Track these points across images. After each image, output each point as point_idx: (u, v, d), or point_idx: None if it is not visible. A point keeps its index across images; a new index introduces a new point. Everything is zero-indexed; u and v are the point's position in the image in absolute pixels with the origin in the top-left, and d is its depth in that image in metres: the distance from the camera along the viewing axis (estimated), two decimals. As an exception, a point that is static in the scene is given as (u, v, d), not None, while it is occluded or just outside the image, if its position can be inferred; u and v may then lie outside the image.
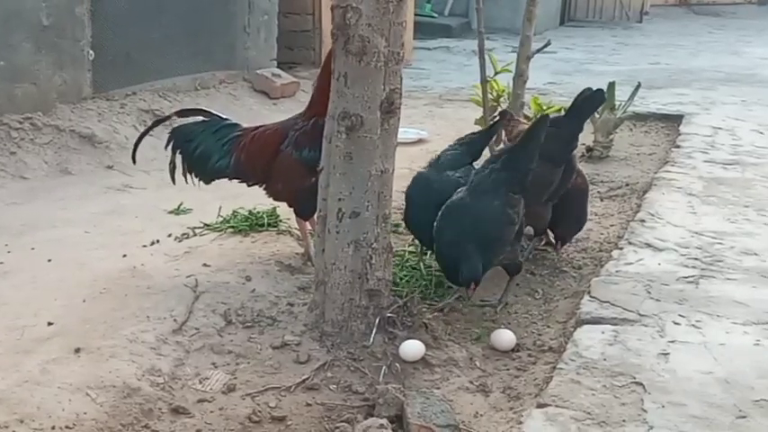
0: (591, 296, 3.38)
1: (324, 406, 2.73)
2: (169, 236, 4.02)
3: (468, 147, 3.91)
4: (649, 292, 3.42)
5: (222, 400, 2.71)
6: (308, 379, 2.85)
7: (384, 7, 2.85)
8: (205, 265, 3.60)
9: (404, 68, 9.48)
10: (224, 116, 3.76)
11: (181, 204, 4.42)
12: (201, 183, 3.71)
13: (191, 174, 3.67)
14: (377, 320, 3.07)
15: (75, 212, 4.47)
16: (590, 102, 3.89)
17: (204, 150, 3.62)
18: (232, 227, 4.06)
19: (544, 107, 5.14)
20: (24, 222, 4.26)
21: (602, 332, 3.08)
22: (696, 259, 3.80)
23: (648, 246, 3.98)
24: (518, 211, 3.45)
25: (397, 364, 2.95)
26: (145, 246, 3.89)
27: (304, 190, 3.48)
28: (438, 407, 2.63)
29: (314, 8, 9.13)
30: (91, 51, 5.95)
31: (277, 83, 7.92)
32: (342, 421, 2.64)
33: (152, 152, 4.37)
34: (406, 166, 5.59)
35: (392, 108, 2.99)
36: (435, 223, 3.44)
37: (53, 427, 2.35)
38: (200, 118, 3.72)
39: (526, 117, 5.11)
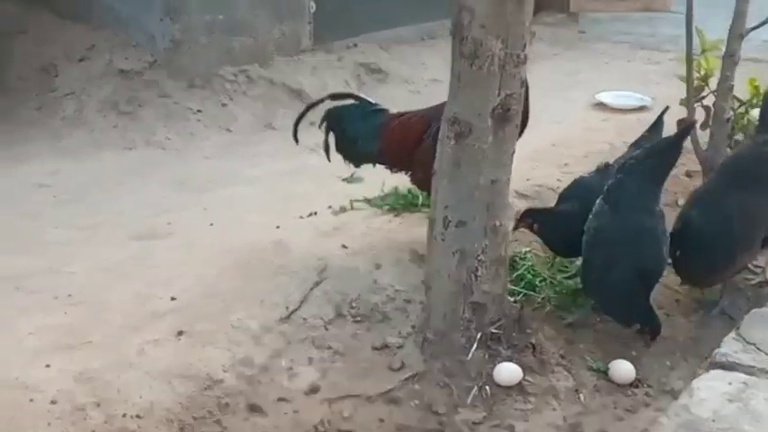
0: (737, 334, 2.98)
1: (395, 425, 2.68)
2: (329, 207, 4.08)
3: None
4: (815, 339, 2.95)
5: (300, 402, 2.75)
6: (392, 390, 2.82)
7: (500, 8, 2.63)
8: (343, 246, 3.62)
9: (662, 15, 8.60)
10: (374, 101, 3.72)
11: (354, 173, 4.46)
12: (352, 165, 3.72)
13: (341, 155, 3.69)
14: (478, 336, 2.94)
15: (261, 170, 4.68)
16: None
17: (352, 134, 3.62)
18: (388, 204, 4.04)
19: (762, 90, 4.51)
20: (210, 178, 4.55)
21: (730, 383, 2.70)
22: None
23: None
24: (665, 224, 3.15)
25: (488, 388, 2.82)
26: (302, 217, 3.99)
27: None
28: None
29: (566, -50, 8.68)
30: (312, 3, 6.10)
31: (510, 32, 7.66)
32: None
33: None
34: (608, 140, 5.23)
35: (507, 115, 2.78)
36: (583, 251, 3.17)
37: (124, 415, 2.52)
38: (352, 101, 3.70)
39: (738, 100, 4.55)
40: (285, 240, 3.68)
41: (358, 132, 3.61)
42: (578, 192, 3.52)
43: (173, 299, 3.18)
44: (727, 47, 4.18)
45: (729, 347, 2.91)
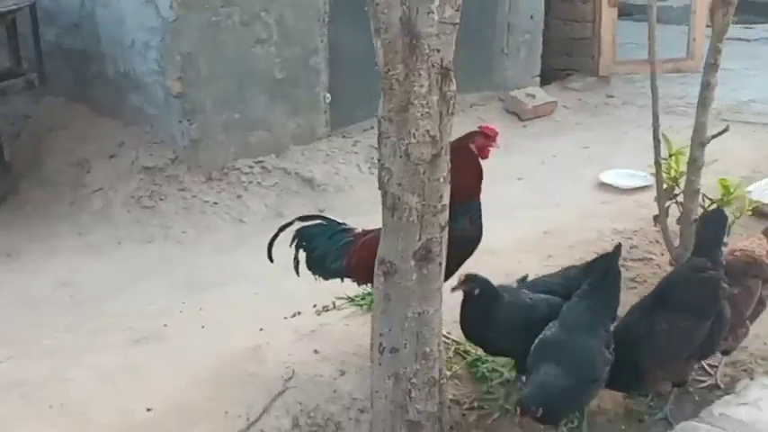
0: (659, 451, 3.20)
1: None
2: (314, 306, 4.41)
3: (567, 282, 3.71)
4: (726, 455, 3.14)
5: None
6: (332, 502, 3.12)
7: (414, 168, 2.94)
8: (315, 351, 3.95)
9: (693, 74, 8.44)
10: (340, 221, 4.03)
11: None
12: (321, 279, 4.03)
13: (310, 271, 4.01)
14: (414, 452, 3.22)
15: (262, 266, 4.99)
16: (712, 228, 3.57)
17: (320, 253, 3.93)
18: (367, 304, 4.35)
19: (732, 189, 4.67)
20: (214, 277, 4.93)
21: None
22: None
23: (790, 380, 3.60)
24: (612, 351, 3.38)
25: (416, 502, 3.09)
26: (286, 318, 4.33)
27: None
28: None
29: (594, 15, 8.90)
30: (327, 95, 6.49)
31: (528, 105, 7.89)
32: None
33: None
34: (599, 228, 5.41)
35: (429, 256, 3.06)
36: (529, 359, 3.40)
37: None
38: (320, 221, 4.02)
39: (709, 199, 4.72)
40: (263, 347, 4.03)
41: (325, 251, 3.93)
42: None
43: (148, 410, 3.55)
44: (691, 153, 4.40)
45: (648, 465, 3.12)
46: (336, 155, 6.42)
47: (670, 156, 4.58)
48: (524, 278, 3.81)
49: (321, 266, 3.96)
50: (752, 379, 3.66)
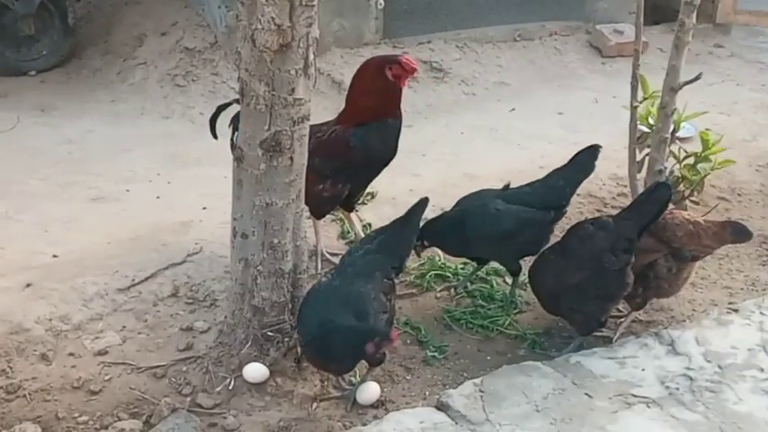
0: (481, 380, 3.15)
1: (142, 393, 3.16)
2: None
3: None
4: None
5: (84, 359, 3.30)
6: (163, 366, 3.30)
7: (259, 56, 2.97)
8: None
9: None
10: None
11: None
12: None
13: None
14: (252, 335, 3.33)
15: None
16: (654, 201, 3.39)
17: None
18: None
19: (710, 144, 4.32)
20: (202, 156, 5.11)
21: (421, 421, 2.94)
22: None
23: (670, 345, 3.42)
24: (391, 298, 3.23)
25: (235, 381, 3.21)
26: (233, 202, 4.51)
27: (314, 194, 3.74)
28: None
29: (720, -44, 8.23)
30: (381, 1, 6.45)
31: (612, 41, 7.47)
32: (135, 410, 3.08)
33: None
34: (596, 169, 5.14)
35: (279, 148, 3.10)
36: (299, 308, 3.23)
37: (-63, 340, 3.24)
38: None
39: (685, 152, 4.42)
40: (193, 222, 4.23)
41: None
42: (469, 200, 3.84)
43: (54, 256, 3.86)
44: (661, 100, 4.11)
45: (461, 390, 3.10)
46: (377, 63, 6.39)
47: (644, 99, 4.29)
48: (507, 186, 3.84)
49: None
50: (637, 337, 3.48)
